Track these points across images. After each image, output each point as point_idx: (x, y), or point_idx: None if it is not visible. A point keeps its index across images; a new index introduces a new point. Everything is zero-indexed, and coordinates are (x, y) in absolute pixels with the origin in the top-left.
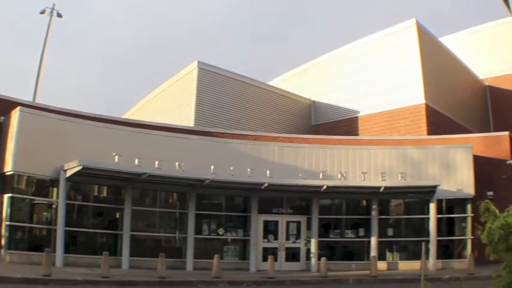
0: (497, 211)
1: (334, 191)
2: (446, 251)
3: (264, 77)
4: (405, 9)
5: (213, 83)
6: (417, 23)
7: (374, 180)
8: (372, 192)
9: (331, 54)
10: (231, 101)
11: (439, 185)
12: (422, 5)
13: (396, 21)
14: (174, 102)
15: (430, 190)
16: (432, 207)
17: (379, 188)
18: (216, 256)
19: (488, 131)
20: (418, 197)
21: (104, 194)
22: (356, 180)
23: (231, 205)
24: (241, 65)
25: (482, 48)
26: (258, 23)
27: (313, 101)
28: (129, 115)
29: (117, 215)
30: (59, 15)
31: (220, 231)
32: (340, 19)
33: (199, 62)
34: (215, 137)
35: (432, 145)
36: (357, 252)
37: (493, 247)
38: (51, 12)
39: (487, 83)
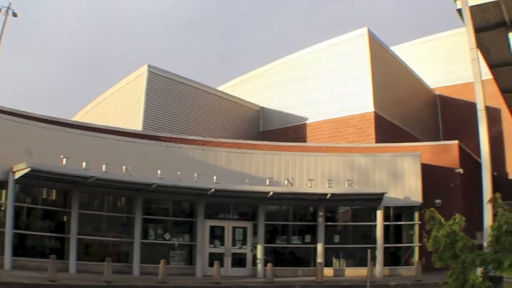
0: (442, 219)
1: (280, 198)
2: (394, 258)
3: (216, 82)
4: (359, 18)
5: (162, 87)
6: (369, 31)
7: (321, 187)
8: (318, 199)
9: (282, 61)
10: (180, 106)
11: (386, 193)
12: (376, 15)
13: (349, 30)
14: (123, 106)
15: (377, 197)
16: (379, 214)
17: (326, 195)
18: (162, 261)
19: (438, 139)
20: (365, 204)
21: (53, 196)
22: (303, 187)
23: (178, 210)
24: (193, 69)
25: (435, 57)
26: (211, 28)
27: (262, 107)
28: (79, 117)
29: (65, 218)
30: (14, 15)
31: (167, 236)
32: (294, 26)
33: (149, 66)
34: (163, 142)
35: (380, 153)
36: (303, 259)
37: (438, 255)
38: (7, 11)
39: (437, 92)
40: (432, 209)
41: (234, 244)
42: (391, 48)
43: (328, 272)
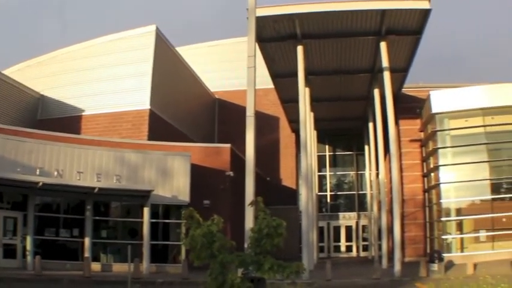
0: (200, 219)
1: (50, 189)
2: (162, 255)
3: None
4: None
5: None
6: (157, 29)
7: (90, 181)
8: (86, 193)
9: (67, 50)
10: None
11: (153, 190)
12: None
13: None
14: None
15: (144, 194)
16: (146, 211)
17: (94, 188)
18: None
19: (214, 142)
20: (133, 200)
21: None
22: (72, 179)
23: None
24: None
25: (220, 62)
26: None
27: (42, 95)
28: None
29: None
30: None
31: None
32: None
33: None
34: None
35: (151, 150)
36: (72, 252)
37: (196, 254)
38: None
39: (217, 96)
40: (191, 208)
41: (4, 235)
42: (179, 48)
43: (96, 266)
